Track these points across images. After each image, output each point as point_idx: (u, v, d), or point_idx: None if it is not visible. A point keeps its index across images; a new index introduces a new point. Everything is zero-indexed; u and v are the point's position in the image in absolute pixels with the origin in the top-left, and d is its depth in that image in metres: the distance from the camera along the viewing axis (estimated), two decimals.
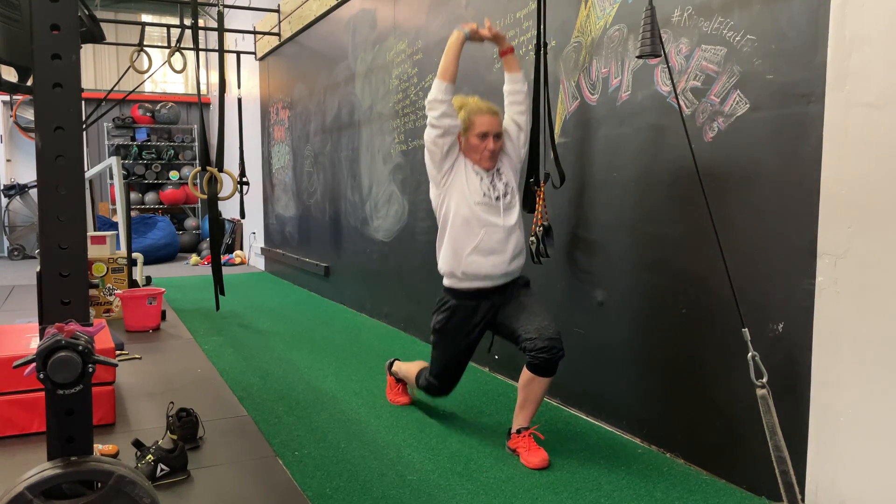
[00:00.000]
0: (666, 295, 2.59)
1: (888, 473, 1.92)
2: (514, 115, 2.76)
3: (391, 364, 3.31)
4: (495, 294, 2.70)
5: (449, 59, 2.64)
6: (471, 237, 2.65)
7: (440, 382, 2.87)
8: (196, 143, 10.74)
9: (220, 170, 4.07)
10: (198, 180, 7.71)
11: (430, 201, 2.80)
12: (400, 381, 3.24)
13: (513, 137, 2.76)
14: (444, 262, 2.74)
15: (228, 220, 9.39)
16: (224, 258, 8.90)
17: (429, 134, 2.67)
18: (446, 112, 2.62)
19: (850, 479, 2.01)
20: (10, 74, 2.13)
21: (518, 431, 2.64)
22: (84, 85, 2.15)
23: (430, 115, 2.65)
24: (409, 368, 3.11)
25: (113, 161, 6.57)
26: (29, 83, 1.86)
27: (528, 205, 2.91)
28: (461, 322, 2.73)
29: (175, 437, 2.51)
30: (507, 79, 2.76)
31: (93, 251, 5.14)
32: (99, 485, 1.56)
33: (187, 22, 5.14)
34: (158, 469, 2.37)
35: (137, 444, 2.46)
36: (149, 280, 6.58)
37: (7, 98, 9.62)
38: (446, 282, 2.76)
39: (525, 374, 2.60)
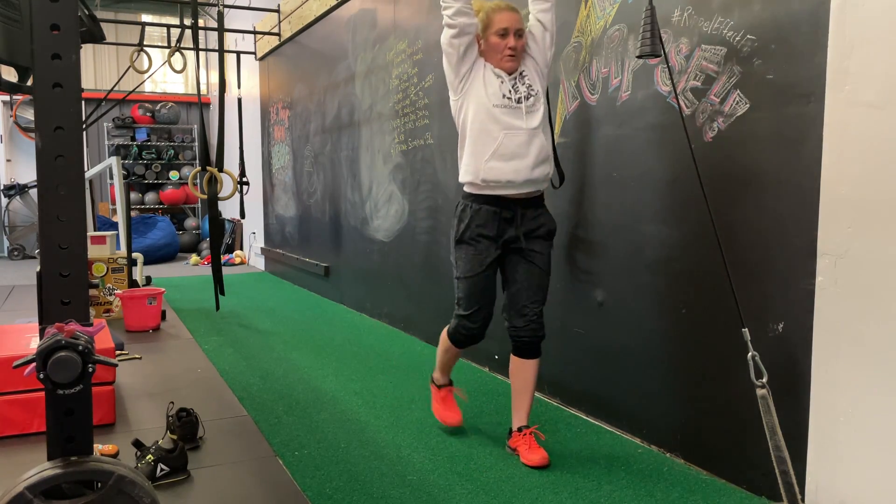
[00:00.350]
0: (666, 295, 2.59)
1: (888, 473, 1.92)
2: (538, 14, 2.61)
3: (432, 380, 2.98)
4: (518, 206, 2.56)
5: None
6: (489, 141, 2.50)
7: (468, 313, 2.62)
8: (196, 143, 10.74)
9: (220, 170, 4.07)
10: (198, 180, 7.73)
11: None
12: (442, 386, 2.92)
13: (537, 38, 2.60)
14: (464, 171, 2.59)
15: (228, 220, 9.39)
16: (224, 258, 8.90)
17: (444, 34, 2.53)
18: (462, 9, 2.46)
19: (850, 479, 2.01)
20: (10, 74, 2.13)
21: (519, 430, 2.64)
22: (84, 85, 2.15)
23: (445, 14, 2.50)
24: (440, 346, 2.87)
25: (113, 161, 6.57)
26: (29, 83, 1.86)
27: None
28: (483, 226, 2.56)
29: (175, 437, 2.51)
30: None
31: (93, 251, 5.14)
32: (99, 485, 1.56)
33: (187, 22, 5.15)
34: (158, 469, 2.37)
35: (137, 444, 2.46)
36: (149, 280, 6.58)
37: (7, 98, 9.62)
38: (466, 189, 2.62)
39: (512, 361, 2.66)
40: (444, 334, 2.80)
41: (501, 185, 2.52)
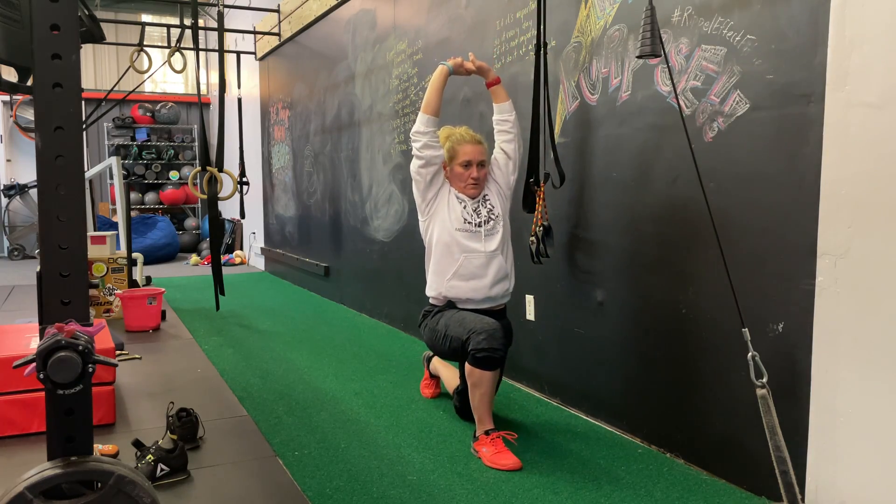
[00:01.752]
0: (666, 295, 2.59)
1: (888, 473, 1.92)
2: (503, 144, 2.88)
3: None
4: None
5: (432, 93, 2.77)
6: (451, 262, 2.77)
7: (473, 328, 2.60)
8: (196, 143, 10.74)
9: (220, 170, 4.07)
10: (198, 180, 7.72)
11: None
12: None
13: (501, 165, 2.87)
14: (429, 287, 2.87)
15: (228, 220, 9.39)
16: (224, 258, 8.90)
17: (413, 164, 2.80)
18: (428, 143, 2.74)
19: (850, 479, 2.01)
20: (10, 74, 2.13)
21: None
22: (84, 85, 2.15)
23: (414, 146, 2.77)
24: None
25: (113, 161, 6.57)
26: (29, 83, 1.86)
27: (528, 205, 2.93)
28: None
29: (175, 437, 2.51)
30: (495, 109, 2.88)
31: (93, 251, 5.14)
32: (99, 485, 1.56)
33: (187, 22, 5.15)
34: (158, 469, 2.37)
35: (137, 444, 2.46)
36: (149, 280, 6.58)
37: (7, 98, 9.62)
38: (431, 301, 2.89)
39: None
40: (468, 371, 2.62)
41: (462, 302, 2.80)
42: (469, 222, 2.76)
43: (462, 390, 2.88)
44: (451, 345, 2.71)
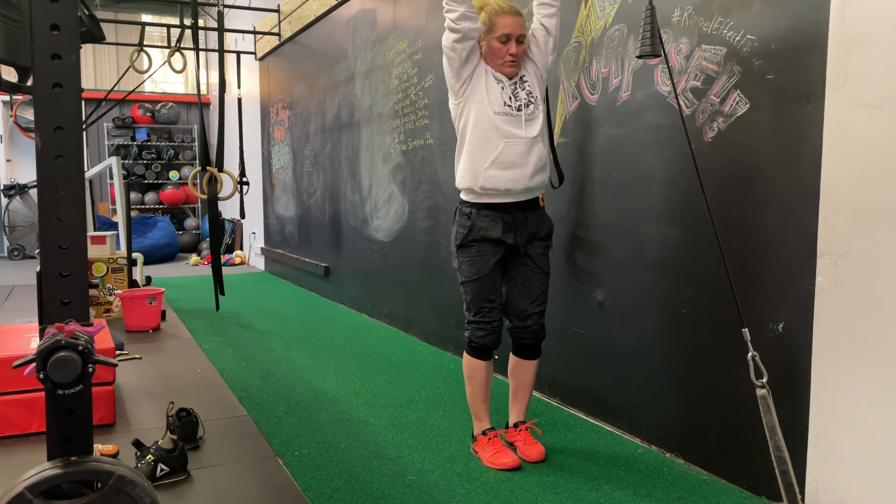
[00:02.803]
0: (666, 295, 2.59)
1: (888, 473, 1.92)
2: (542, 18, 2.58)
3: (472, 438, 2.72)
4: (517, 210, 2.55)
5: None
6: (490, 149, 2.49)
7: (481, 314, 2.55)
8: (196, 143, 10.74)
9: (220, 170, 4.07)
10: (198, 180, 7.73)
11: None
12: (486, 432, 2.64)
13: (540, 42, 2.58)
14: (461, 177, 2.57)
15: (228, 220, 9.39)
16: (224, 258, 8.90)
17: (446, 38, 2.48)
18: (465, 14, 2.42)
19: (850, 479, 2.01)
20: (10, 74, 2.13)
21: (515, 425, 2.66)
22: (84, 85, 2.15)
23: (448, 18, 2.45)
24: (467, 383, 2.70)
25: (113, 161, 6.57)
26: (29, 83, 1.86)
27: None
28: (483, 231, 2.54)
29: (175, 437, 2.51)
30: None
31: (93, 251, 5.14)
32: (99, 485, 1.56)
33: (187, 22, 5.15)
34: (158, 469, 2.37)
35: (137, 444, 2.46)
36: (149, 280, 6.58)
37: (7, 98, 9.62)
38: (464, 195, 2.60)
39: (511, 359, 2.66)
40: (465, 362, 2.63)
41: (500, 193, 2.52)
42: (509, 105, 2.49)
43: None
44: (465, 306, 2.61)
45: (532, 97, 2.54)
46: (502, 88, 2.51)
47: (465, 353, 2.63)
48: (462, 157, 2.57)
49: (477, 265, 2.55)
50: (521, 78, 2.55)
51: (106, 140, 10.43)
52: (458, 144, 2.61)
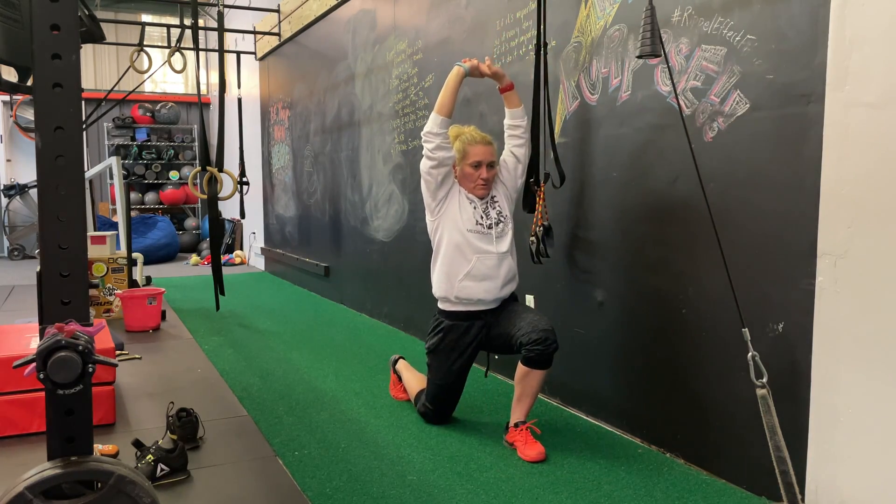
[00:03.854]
0: (666, 295, 2.59)
1: (888, 473, 1.92)
2: (513, 148, 2.87)
3: (395, 361, 3.34)
4: (488, 314, 2.80)
5: (447, 95, 2.73)
6: (463, 263, 2.75)
7: (435, 407, 2.90)
8: (196, 143, 10.74)
9: (220, 170, 4.07)
10: (198, 180, 7.73)
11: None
12: (402, 379, 3.26)
13: (510, 168, 2.86)
14: (437, 287, 2.84)
15: (228, 220, 9.39)
16: (224, 258, 8.90)
17: (424, 164, 2.76)
18: (441, 145, 2.71)
19: (850, 479, 2.01)
20: (10, 74, 2.13)
21: (515, 425, 2.68)
22: (84, 85, 2.15)
23: (426, 147, 2.73)
24: (411, 383, 3.15)
25: (113, 161, 6.57)
26: (29, 83, 1.86)
27: (527, 205, 2.93)
28: (455, 341, 2.81)
29: (175, 437, 2.51)
30: (507, 114, 2.86)
31: (93, 251, 5.14)
32: (99, 485, 1.56)
33: (187, 22, 5.15)
34: (158, 469, 2.37)
35: (137, 444, 2.46)
36: (149, 280, 6.58)
37: (7, 98, 9.62)
38: (440, 305, 2.87)
39: (520, 368, 2.65)
40: (416, 392, 3.07)
41: (473, 303, 2.78)
42: (481, 223, 2.76)
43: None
44: (425, 391, 2.96)
45: (502, 216, 2.81)
46: (474, 208, 2.79)
47: (416, 398, 3.03)
48: (437, 269, 2.85)
49: (443, 371, 2.84)
50: (492, 198, 2.84)
51: (106, 140, 10.44)
52: (433, 256, 2.89)
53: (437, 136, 2.71)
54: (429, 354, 2.89)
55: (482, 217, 2.77)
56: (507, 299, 2.85)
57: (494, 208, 2.80)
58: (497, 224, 2.78)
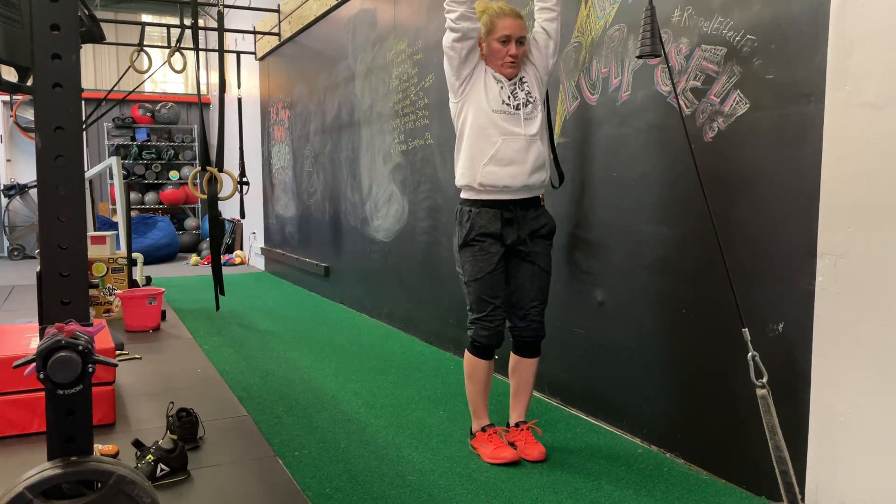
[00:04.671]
0: (666, 295, 2.59)
1: (888, 473, 1.92)
2: (543, 22, 2.63)
3: (471, 435, 2.76)
4: (517, 208, 2.56)
5: None
6: (488, 146, 2.51)
7: (484, 313, 2.55)
8: (196, 143, 10.74)
9: (220, 170, 4.07)
10: (198, 180, 7.72)
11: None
12: (485, 428, 2.67)
13: (540, 45, 2.62)
14: (460, 174, 2.60)
15: (228, 220, 9.39)
16: (224, 258, 8.90)
17: (447, 38, 2.53)
18: (465, 14, 2.46)
19: (850, 479, 2.01)
20: (10, 74, 2.13)
21: (517, 425, 2.67)
22: (84, 85, 2.15)
23: (449, 17, 2.49)
24: (467, 380, 2.72)
25: (113, 161, 6.57)
26: (29, 83, 1.86)
27: None
28: (485, 228, 2.55)
29: (175, 437, 2.51)
30: None
31: (93, 251, 5.14)
32: (99, 485, 1.56)
33: (187, 22, 5.15)
34: (158, 469, 2.37)
35: (137, 444, 2.46)
36: (149, 280, 6.58)
37: (7, 98, 9.62)
38: (464, 194, 2.63)
39: (512, 358, 2.68)
40: (466, 360, 2.65)
41: (498, 190, 2.53)
42: (507, 104, 2.53)
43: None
44: (468, 305, 2.62)
45: (531, 97, 2.57)
46: (501, 88, 2.54)
47: (466, 352, 2.65)
48: (461, 155, 2.59)
49: (479, 263, 2.55)
50: (520, 79, 2.58)
51: (106, 140, 10.43)
52: (456, 142, 2.63)
53: (462, 3, 2.45)
54: (461, 250, 2.59)
55: (510, 97, 2.53)
56: (541, 221, 2.60)
57: (523, 89, 2.56)
58: (525, 105, 2.54)
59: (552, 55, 2.64)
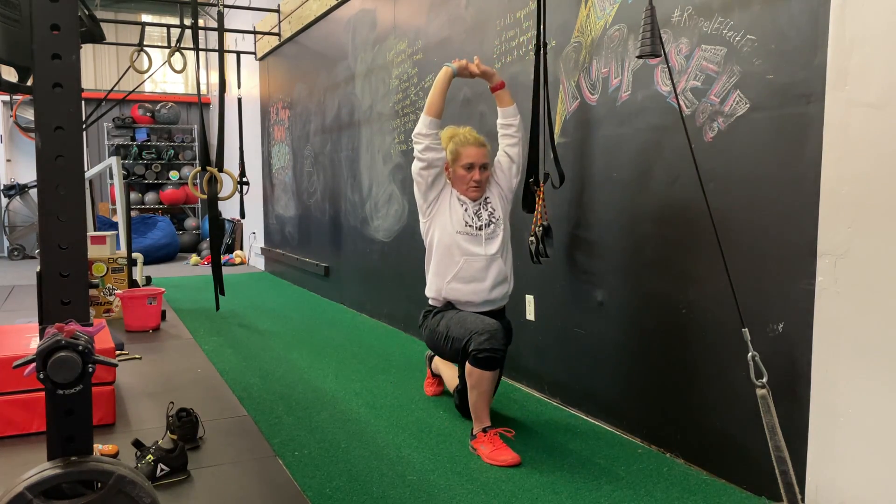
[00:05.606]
0: (666, 295, 2.59)
1: (888, 473, 1.92)
2: (507, 148, 2.87)
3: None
4: None
5: (436, 95, 2.74)
6: (451, 265, 2.77)
7: (486, 331, 2.59)
8: (196, 143, 10.74)
9: (220, 170, 4.07)
10: (198, 180, 7.72)
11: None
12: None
13: (504, 168, 2.87)
14: (428, 288, 2.88)
15: (228, 220, 9.39)
16: (224, 258, 8.90)
17: (415, 166, 2.78)
18: (430, 146, 2.72)
19: (850, 479, 2.01)
20: (10, 74, 2.13)
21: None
22: (84, 85, 2.15)
23: (416, 148, 2.75)
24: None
25: (113, 161, 6.57)
26: (29, 83, 1.86)
27: (527, 205, 2.92)
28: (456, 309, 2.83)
29: (175, 437, 2.51)
30: (500, 113, 2.87)
31: (93, 251, 5.14)
32: (99, 485, 1.56)
33: (187, 22, 5.15)
34: (158, 469, 2.37)
35: (137, 444, 2.46)
36: (149, 280, 6.58)
37: (7, 98, 9.62)
38: (430, 303, 2.90)
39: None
40: (468, 372, 2.63)
41: (462, 304, 2.80)
42: (470, 225, 2.76)
43: (462, 389, 2.90)
44: (452, 346, 2.72)
45: (494, 217, 2.81)
46: (465, 210, 2.79)
47: (468, 365, 2.63)
48: (430, 270, 2.87)
49: (450, 314, 2.78)
50: (485, 199, 2.84)
51: (106, 140, 10.43)
52: (426, 257, 2.91)
53: (427, 136, 2.72)
54: (430, 318, 2.85)
55: (473, 218, 2.77)
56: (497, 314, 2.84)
57: (487, 209, 2.81)
58: (488, 225, 2.78)
59: (515, 175, 2.89)
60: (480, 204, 2.81)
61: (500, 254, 2.79)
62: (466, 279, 2.76)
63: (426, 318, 2.91)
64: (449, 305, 2.83)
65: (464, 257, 2.75)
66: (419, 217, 2.89)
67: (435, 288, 2.83)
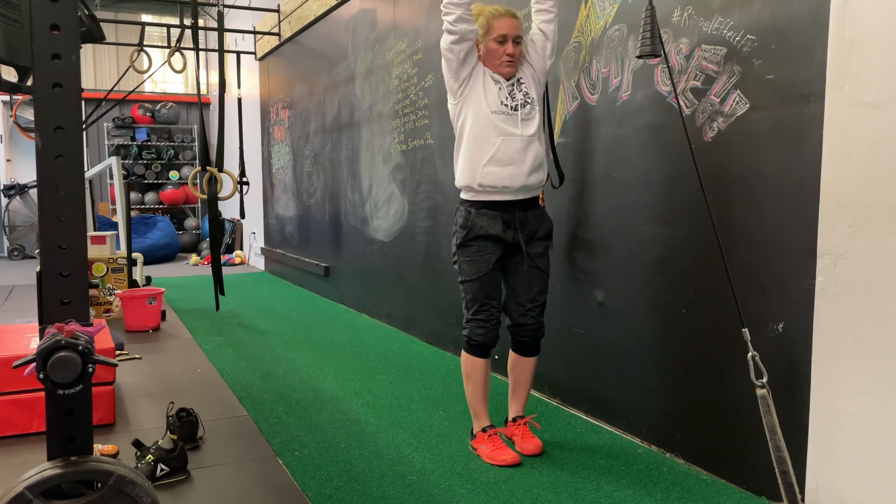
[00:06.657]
0: (666, 295, 2.59)
1: (888, 474, 1.92)
2: (540, 24, 2.65)
3: (472, 436, 2.75)
4: (516, 209, 2.58)
5: None
6: (487, 147, 2.53)
7: (479, 313, 2.59)
8: (196, 143, 10.74)
9: (220, 170, 4.07)
10: (198, 180, 7.73)
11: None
12: (485, 429, 2.66)
13: (538, 47, 2.65)
14: (460, 175, 2.61)
15: (228, 220, 9.39)
16: (224, 258, 8.90)
17: (444, 40, 2.54)
18: (462, 16, 2.48)
19: (850, 479, 2.01)
20: (10, 74, 2.13)
21: (514, 420, 2.71)
22: (84, 85, 2.15)
23: (446, 20, 2.51)
24: (465, 382, 2.72)
25: (113, 161, 6.57)
26: (29, 83, 1.86)
27: None
28: (483, 230, 2.57)
29: (175, 437, 2.51)
30: None
31: (93, 251, 5.14)
32: (99, 485, 1.56)
33: (187, 22, 5.15)
34: (158, 469, 2.37)
35: (137, 444, 2.46)
36: (149, 280, 6.58)
37: (7, 98, 9.62)
38: (463, 194, 2.65)
39: (511, 355, 2.72)
40: (463, 360, 2.66)
41: (497, 191, 2.55)
42: (505, 104, 2.55)
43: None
44: (464, 304, 2.63)
45: (528, 98, 2.59)
46: (499, 88, 2.56)
47: (463, 352, 2.67)
48: (460, 156, 2.61)
49: (477, 264, 2.58)
50: (518, 80, 2.60)
51: (106, 140, 10.43)
52: (456, 143, 2.65)
53: (459, 5, 2.46)
54: (459, 250, 2.61)
55: (507, 98, 2.55)
56: (541, 222, 2.63)
57: (521, 90, 2.58)
58: (523, 106, 2.56)
59: (549, 56, 2.66)
60: (514, 84, 2.58)
61: (536, 136, 2.57)
62: (504, 162, 2.51)
63: (456, 222, 2.64)
64: (478, 208, 2.57)
65: (501, 138, 2.52)
66: (448, 99, 2.65)
67: (468, 174, 2.56)
